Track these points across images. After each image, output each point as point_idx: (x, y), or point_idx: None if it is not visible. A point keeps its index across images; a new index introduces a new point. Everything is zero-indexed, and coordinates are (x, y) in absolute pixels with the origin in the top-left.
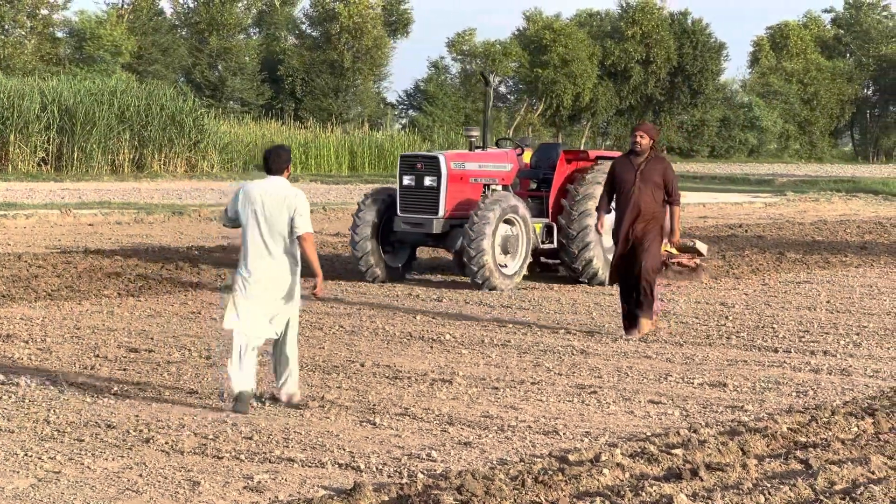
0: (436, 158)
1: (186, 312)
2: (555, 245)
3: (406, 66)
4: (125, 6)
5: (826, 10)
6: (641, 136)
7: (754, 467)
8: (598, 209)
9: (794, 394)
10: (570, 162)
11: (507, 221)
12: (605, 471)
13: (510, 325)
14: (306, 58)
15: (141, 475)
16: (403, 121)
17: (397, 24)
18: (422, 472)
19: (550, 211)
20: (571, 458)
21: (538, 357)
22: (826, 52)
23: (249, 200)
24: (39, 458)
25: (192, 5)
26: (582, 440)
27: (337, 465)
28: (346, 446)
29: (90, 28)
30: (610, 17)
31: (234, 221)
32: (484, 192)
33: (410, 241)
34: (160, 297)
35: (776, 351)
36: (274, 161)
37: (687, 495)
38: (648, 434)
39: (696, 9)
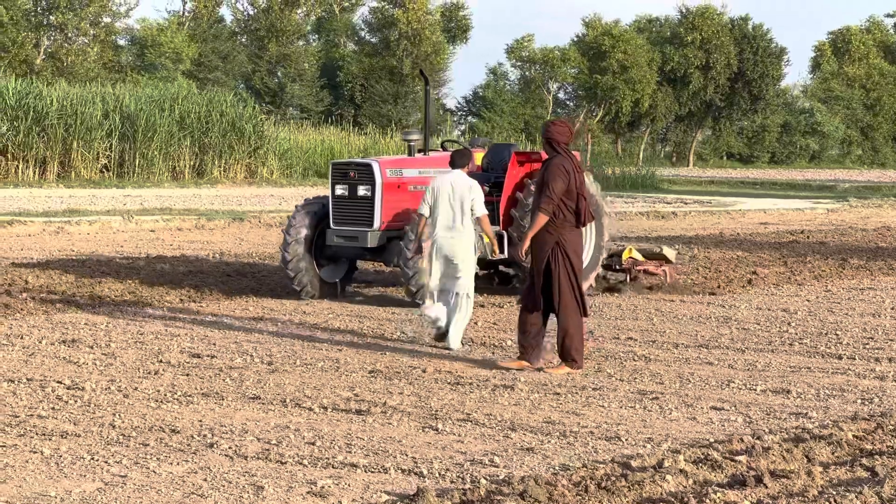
0: (369, 166)
1: (248, 318)
2: (506, 256)
3: (465, 72)
4: (186, 14)
5: (889, 15)
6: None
7: (819, 475)
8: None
9: (859, 401)
10: (522, 164)
11: None
12: (669, 477)
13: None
14: (365, 64)
15: (205, 480)
16: (463, 127)
17: (456, 30)
18: (484, 478)
19: (501, 218)
20: (634, 464)
21: (599, 363)
22: (889, 56)
23: (442, 187)
24: (106, 462)
25: (251, 12)
26: (644, 446)
27: (400, 471)
28: (409, 452)
29: (151, 36)
30: (669, 22)
31: (430, 209)
32: None
33: (346, 255)
34: (221, 303)
35: (840, 358)
36: (458, 159)
37: (752, 502)
38: (711, 440)
39: (756, 14)
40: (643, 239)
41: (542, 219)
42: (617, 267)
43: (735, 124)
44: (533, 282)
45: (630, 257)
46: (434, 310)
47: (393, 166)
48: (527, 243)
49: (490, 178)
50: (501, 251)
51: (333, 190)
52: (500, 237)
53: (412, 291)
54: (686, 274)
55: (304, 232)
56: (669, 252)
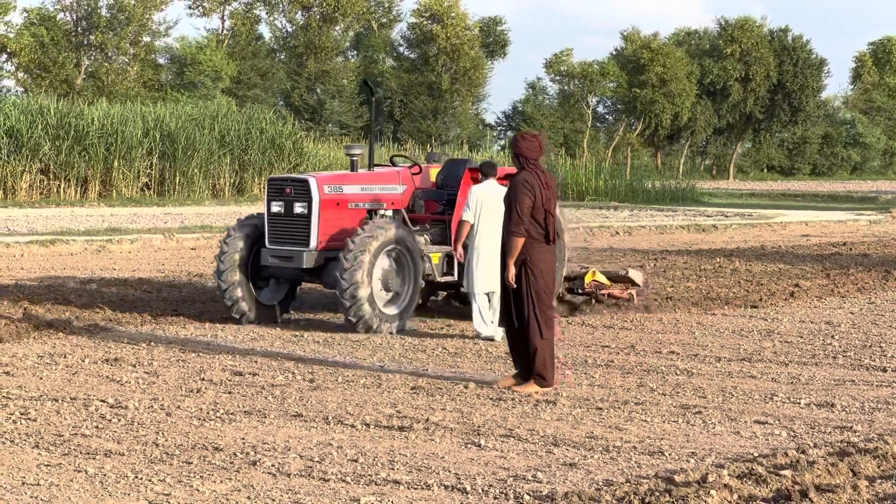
0: (305, 181)
1: (289, 336)
2: (455, 278)
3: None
4: (225, 32)
5: None
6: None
7: (865, 489)
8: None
9: None
10: (475, 181)
11: (391, 253)
12: (713, 492)
13: (612, 346)
14: (404, 80)
15: (249, 497)
16: (502, 142)
17: (494, 45)
18: (528, 494)
19: (453, 238)
20: (678, 478)
21: (641, 377)
22: None
23: (485, 196)
24: (150, 481)
25: (290, 30)
26: (688, 461)
27: (443, 487)
28: (452, 468)
29: (191, 54)
30: (708, 35)
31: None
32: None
33: (282, 276)
34: (263, 321)
35: (884, 370)
36: (489, 169)
37: None
38: (755, 455)
39: (796, 25)
40: (683, 252)
41: (518, 242)
42: (579, 290)
43: (775, 136)
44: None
45: (593, 280)
46: (488, 331)
47: (332, 182)
48: (512, 270)
49: (443, 195)
50: (450, 273)
51: (269, 207)
52: (448, 258)
53: (346, 306)
54: (657, 294)
55: (238, 255)
56: (636, 275)
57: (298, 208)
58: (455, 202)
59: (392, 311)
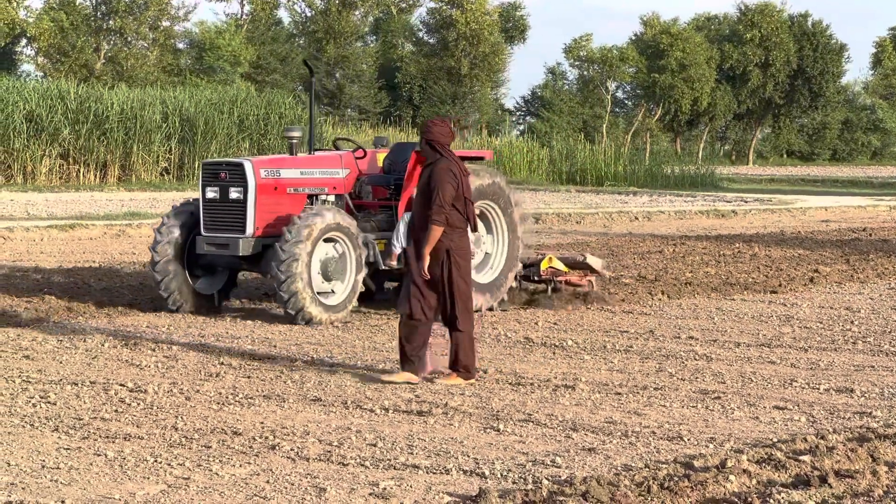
0: (241, 165)
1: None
2: (401, 266)
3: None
4: (244, 17)
5: None
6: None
7: (885, 474)
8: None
9: None
10: (421, 164)
11: (331, 240)
12: (732, 477)
13: (632, 331)
14: (423, 65)
15: (268, 482)
16: (521, 127)
17: (514, 30)
18: (546, 479)
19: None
20: (697, 464)
21: (660, 362)
22: None
23: None
24: (169, 465)
25: (309, 14)
26: (707, 446)
27: (462, 472)
28: (471, 453)
29: (210, 39)
30: (728, 20)
31: None
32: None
33: (220, 264)
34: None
35: None
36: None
37: (816, 502)
38: (775, 440)
39: (816, 10)
40: (702, 237)
41: (438, 230)
42: (535, 278)
43: (795, 122)
44: (422, 292)
45: (550, 267)
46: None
47: (269, 166)
48: (427, 259)
49: (390, 180)
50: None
51: (204, 193)
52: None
53: (284, 298)
54: (617, 284)
55: (172, 246)
56: (594, 261)
57: (234, 193)
58: (402, 187)
59: (333, 301)
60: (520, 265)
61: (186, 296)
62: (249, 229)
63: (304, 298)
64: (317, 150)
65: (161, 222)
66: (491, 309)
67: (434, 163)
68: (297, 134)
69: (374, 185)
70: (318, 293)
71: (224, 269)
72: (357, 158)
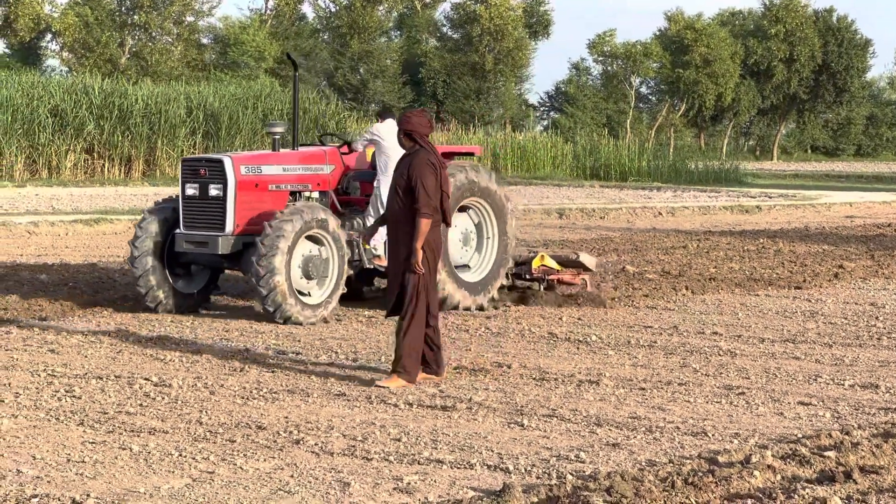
0: (220, 162)
1: (332, 315)
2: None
3: (547, 67)
4: (268, 12)
5: None
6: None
7: None
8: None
9: None
10: None
11: (313, 238)
12: (756, 473)
13: (656, 327)
14: (447, 60)
15: (292, 476)
16: (545, 122)
17: (538, 25)
18: (571, 474)
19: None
20: (721, 459)
21: (685, 358)
22: None
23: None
24: (193, 459)
25: (333, 9)
26: (731, 441)
27: (486, 467)
28: (495, 447)
29: (234, 34)
30: (752, 15)
31: None
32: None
33: (199, 262)
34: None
35: None
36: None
37: (841, 498)
38: (799, 436)
39: (841, 5)
40: (726, 233)
41: (427, 224)
42: (527, 276)
43: (819, 117)
44: (417, 290)
45: (542, 265)
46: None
47: (249, 163)
48: (420, 254)
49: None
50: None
51: (183, 190)
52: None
53: (262, 294)
54: (612, 284)
55: (152, 240)
56: (588, 259)
57: (213, 190)
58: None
59: (314, 300)
60: (511, 263)
61: (166, 294)
62: (229, 227)
63: (283, 295)
64: (302, 145)
65: (141, 218)
66: (481, 308)
67: (413, 154)
68: (279, 129)
69: (362, 180)
70: (299, 292)
71: (205, 267)
72: (343, 154)
